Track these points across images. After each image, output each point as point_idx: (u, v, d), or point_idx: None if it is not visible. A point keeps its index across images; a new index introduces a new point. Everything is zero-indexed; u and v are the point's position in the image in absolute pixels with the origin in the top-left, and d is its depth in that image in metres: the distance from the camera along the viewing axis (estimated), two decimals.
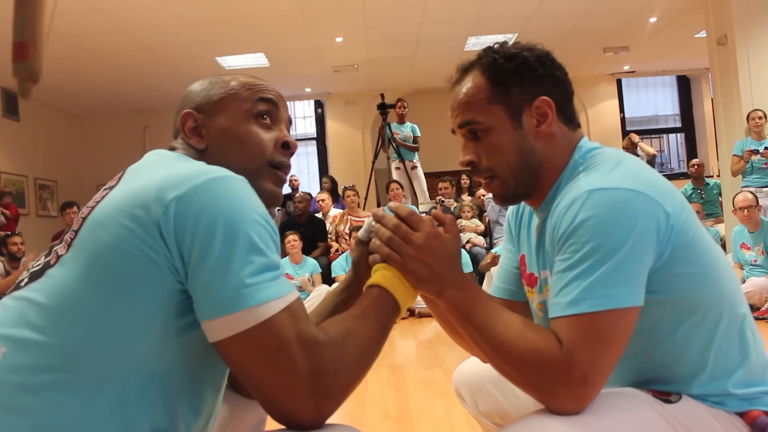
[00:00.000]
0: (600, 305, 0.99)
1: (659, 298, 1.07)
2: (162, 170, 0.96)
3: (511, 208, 1.44)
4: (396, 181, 8.11)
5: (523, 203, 1.38)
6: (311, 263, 6.98)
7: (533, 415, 1.04)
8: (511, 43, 1.24)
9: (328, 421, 0.93)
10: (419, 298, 1.21)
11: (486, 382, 1.43)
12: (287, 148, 1.19)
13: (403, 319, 6.29)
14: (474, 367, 1.48)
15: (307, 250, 7.24)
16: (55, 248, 0.97)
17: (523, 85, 1.19)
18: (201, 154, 1.13)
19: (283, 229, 7.38)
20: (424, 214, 1.21)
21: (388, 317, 1.08)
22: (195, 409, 0.98)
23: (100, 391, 0.85)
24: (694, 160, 8.65)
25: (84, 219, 0.95)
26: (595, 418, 1.00)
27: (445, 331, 1.36)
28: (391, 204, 1.20)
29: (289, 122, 1.26)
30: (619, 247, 1.00)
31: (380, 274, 1.13)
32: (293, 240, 6.89)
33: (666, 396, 1.08)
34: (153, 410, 0.89)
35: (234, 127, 1.15)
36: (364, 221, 1.25)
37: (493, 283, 1.48)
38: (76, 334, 0.86)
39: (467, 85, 1.22)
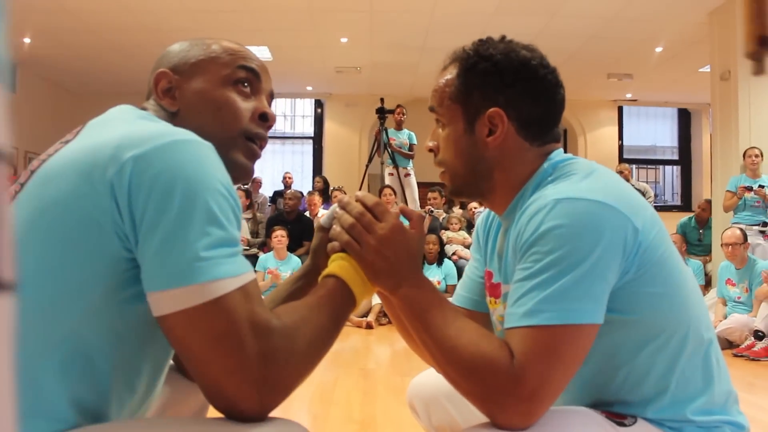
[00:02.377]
0: (556, 319, 0.95)
1: (622, 318, 1.03)
2: (122, 127, 0.90)
3: (482, 216, 1.41)
4: (389, 187, 8.07)
5: (493, 213, 1.34)
6: (295, 261, 6.92)
7: (476, 428, 0.99)
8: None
9: (275, 415, 0.87)
10: None
11: (440, 396, 1.37)
12: (265, 120, 1.12)
13: (381, 325, 6.25)
14: (429, 379, 1.42)
15: (292, 248, 7.20)
16: None
17: (486, 91, 1.14)
18: (172, 117, 1.06)
19: (271, 224, 7.33)
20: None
21: (342, 309, 1.03)
22: (131, 385, 0.92)
23: (19, 355, 0.79)
24: (703, 202, 8.46)
25: (33, 172, 0.89)
26: None
27: (400, 333, 1.32)
28: (358, 193, 1.15)
29: (271, 95, 1.19)
30: (583, 260, 0.96)
31: (337, 264, 1.08)
32: (280, 236, 6.83)
33: (620, 418, 1.04)
34: (77, 382, 0.83)
35: (210, 92, 1.08)
36: None
37: (456, 291, 1.43)
38: None
39: (445, 75, 1.19)
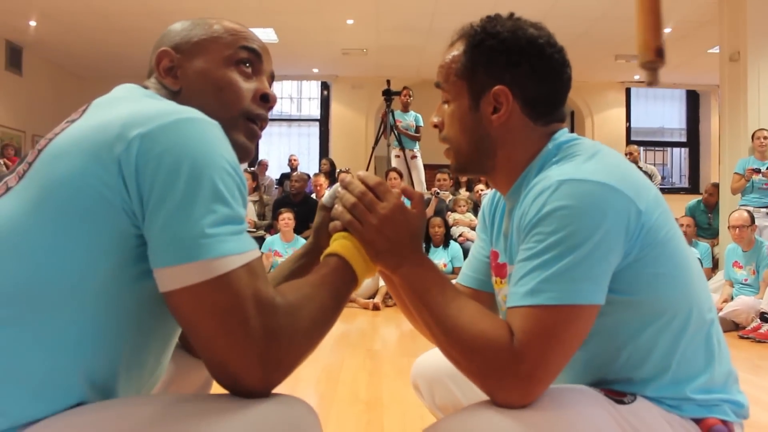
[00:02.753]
0: (557, 299, 0.95)
1: (625, 298, 1.03)
2: (129, 106, 0.90)
3: (488, 197, 1.41)
4: (395, 169, 8.05)
5: (499, 193, 1.35)
6: (302, 243, 6.91)
7: (475, 406, 1.00)
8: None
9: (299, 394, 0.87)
10: None
11: (443, 376, 1.38)
12: (266, 100, 1.13)
13: (387, 306, 6.28)
14: (433, 359, 1.44)
15: (299, 230, 7.21)
16: (5, 179, 0.91)
17: (492, 69, 1.14)
18: (174, 96, 1.07)
19: (278, 207, 7.33)
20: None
21: (344, 288, 1.04)
22: (139, 361, 0.94)
23: (34, 332, 0.81)
24: (709, 186, 8.39)
25: (40, 151, 0.89)
26: (539, 413, 0.96)
27: (403, 313, 1.33)
28: (360, 173, 1.16)
29: (272, 77, 1.20)
30: (585, 241, 0.96)
31: (339, 243, 1.09)
32: (287, 218, 6.84)
33: (619, 396, 1.05)
34: (90, 358, 0.85)
35: (212, 71, 1.08)
36: None
37: (462, 270, 1.44)
38: (15, 270, 0.81)
39: (452, 51, 1.19)
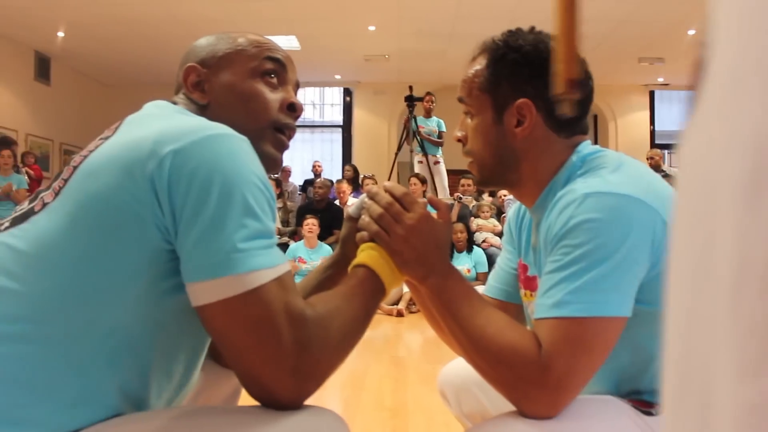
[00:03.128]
0: (585, 311, 0.96)
1: (652, 309, 1.03)
2: (160, 123, 0.92)
3: (512, 209, 1.41)
4: (417, 175, 8.04)
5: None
6: (325, 249, 6.95)
7: (503, 417, 1.01)
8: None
9: (308, 402, 0.89)
10: None
11: (471, 384, 1.39)
12: (293, 110, 1.15)
13: (411, 313, 6.28)
14: (460, 368, 1.44)
15: (322, 237, 7.23)
16: (41, 195, 0.93)
17: (515, 82, 1.15)
18: (202, 110, 1.09)
19: (301, 213, 7.37)
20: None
21: (373, 299, 1.05)
22: (170, 373, 0.95)
23: (68, 347, 0.83)
24: None
25: (75, 168, 0.91)
26: (566, 424, 0.96)
27: (429, 323, 1.33)
28: (386, 183, 1.17)
29: (297, 86, 1.21)
30: (612, 253, 0.97)
31: (367, 254, 1.09)
32: (312, 224, 6.86)
33: (647, 407, 1.04)
34: (124, 371, 0.87)
35: (238, 84, 1.10)
36: None
37: (488, 282, 1.44)
38: (51, 286, 0.83)
39: (473, 65, 1.20)
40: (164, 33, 9.13)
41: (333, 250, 7.24)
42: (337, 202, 8.49)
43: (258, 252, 0.85)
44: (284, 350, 0.84)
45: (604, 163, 1.11)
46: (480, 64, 1.19)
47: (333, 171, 12.03)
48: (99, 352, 0.84)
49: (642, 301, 1.01)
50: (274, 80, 1.14)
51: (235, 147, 0.88)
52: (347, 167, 10.04)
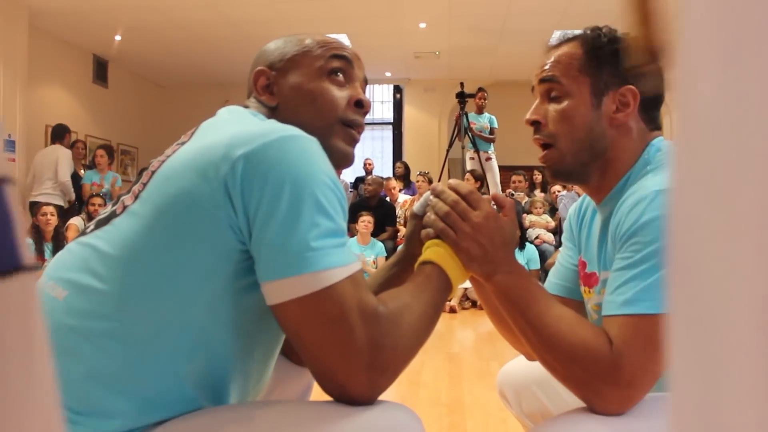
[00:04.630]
0: (655, 308, 0.96)
1: None
2: (232, 127, 0.95)
3: (573, 206, 1.41)
4: (473, 172, 8.00)
5: (586, 202, 1.35)
6: (378, 246, 7.00)
7: (573, 413, 1.02)
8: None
9: (380, 398, 0.91)
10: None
11: (531, 384, 1.40)
12: (360, 106, 1.16)
13: (464, 309, 6.28)
14: (519, 367, 1.45)
15: (374, 233, 7.28)
16: (122, 198, 0.98)
17: (616, 69, 1.15)
18: (272, 112, 1.12)
19: (354, 210, 7.43)
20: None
21: (441, 295, 1.06)
22: (245, 370, 0.98)
23: (150, 344, 0.87)
24: None
25: (154, 172, 0.95)
26: (637, 422, 0.97)
27: (491, 320, 1.34)
28: (451, 181, 1.17)
29: (365, 82, 1.22)
30: None
31: (433, 251, 1.10)
32: (367, 221, 6.91)
33: None
34: (203, 367, 0.90)
35: (305, 84, 1.12)
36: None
37: (549, 279, 1.44)
38: (132, 286, 0.87)
39: (563, 49, 1.19)
40: (217, 35, 9.28)
41: (385, 246, 7.28)
42: (388, 199, 8.52)
43: (331, 250, 0.87)
44: (358, 347, 0.86)
45: None
46: (573, 48, 1.18)
47: (384, 168, 12.06)
48: (178, 349, 0.88)
49: None
50: (341, 78, 1.15)
51: (305, 147, 0.90)
52: (398, 164, 10.05)
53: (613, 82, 1.15)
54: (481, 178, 7.80)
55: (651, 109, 1.17)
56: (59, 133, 7.96)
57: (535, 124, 1.21)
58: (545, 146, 1.20)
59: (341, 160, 1.14)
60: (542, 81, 1.19)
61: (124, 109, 11.15)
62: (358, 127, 1.17)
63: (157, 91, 12.28)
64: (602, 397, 0.98)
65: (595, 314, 1.24)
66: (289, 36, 1.20)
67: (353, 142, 1.16)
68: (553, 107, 1.18)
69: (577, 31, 1.21)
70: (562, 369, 1.02)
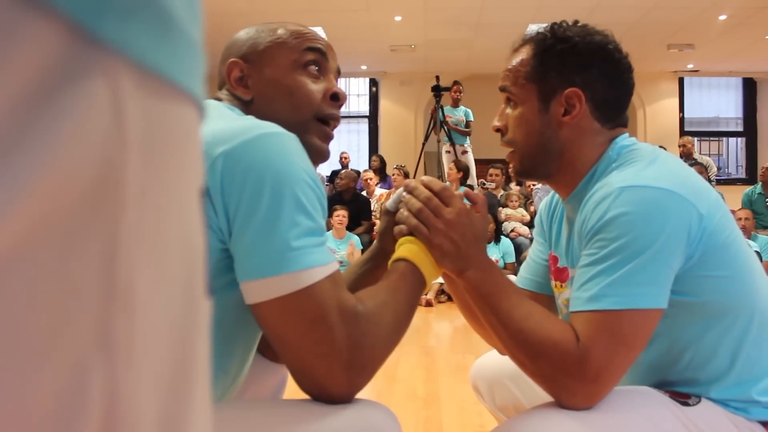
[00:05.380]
0: (621, 303, 0.98)
1: (688, 300, 1.05)
2: (209, 124, 0.93)
3: (544, 201, 1.43)
4: (457, 162, 7.97)
5: (557, 198, 1.36)
6: (353, 239, 7.00)
7: (541, 408, 1.03)
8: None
9: (357, 396, 0.92)
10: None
11: (504, 377, 1.42)
12: (336, 99, 1.16)
13: (440, 303, 6.30)
14: (492, 361, 1.47)
15: (350, 227, 7.27)
16: None
17: (562, 71, 1.16)
18: (247, 106, 1.10)
19: (330, 204, 7.42)
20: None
21: (415, 292, 1.06)
22: (224, 368, 0.98)
23: None
24: (767, 164, 8.16)
25: None
26: (604, 415, 0.99)
27: (463, 315, 1.35)
28: (424, 177, 1.18)
29: (338, 72, 1.22)
30: (647, 246, 0.98)
31: (406, 248, 1.11)
32: (341, 215, 6.89)
33: (684, 398, 1.06)
34: None
35: (281, 78, 1.11)
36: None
37: (520, 274, 1.46)
38: None
39: (517, 56, 1.22)
40: None
41: (361, 240, 7.26)
42: (364, 192, 8.51)
43: (311, 249, 0.86)
44: (338, 346, 0.86)
45: (638, 156, 1.12)
46: (525, 54, 1.20)
47: (360, 161, 12.05)
48: None
49: (677, 293, 1.03)
50: (316, 70, 1.15)
51: (285, 145, 0.90)
52: (374, 157, 10.05)
53: (559, 86, 1.16)
54: (464, 169, 7.80)
55: (605, 108, 1.18)
56: None
57: (499, 131, 1.25)
58: (510, 149, 1.24)
59: (317, 157, 1.13)
60: (500, 89, 1.24)
61: None
62: (334, 121, 1.16)
63: None
64: (569, 392, 0.99)
65: (566, 308, 1.26)
66: (259, 25, 1.18)
67: (327, 138, 1.16)
68: (510, 113, 1.22)
69: (534, 31, 1.22)
70: (530, 364, 1.04)
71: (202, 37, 0.28)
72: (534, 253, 1.43)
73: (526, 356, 1.04)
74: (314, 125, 1.13)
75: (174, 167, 0.25)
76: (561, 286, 1.29)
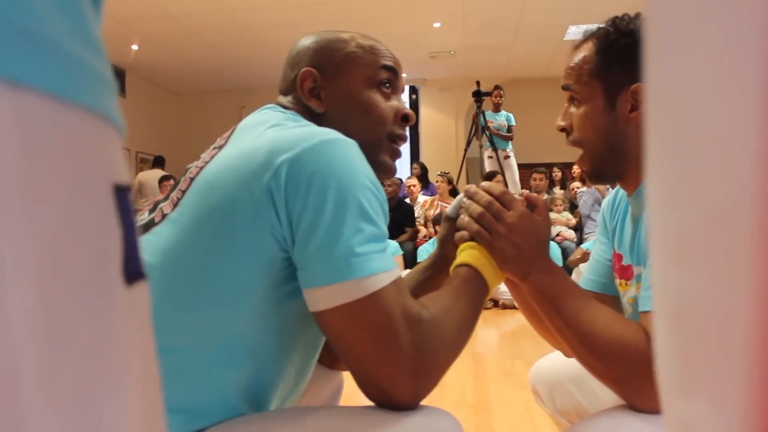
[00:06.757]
0: None
1: None
2: (272, 132, 0.94)
3: (607, 199, 1.39)
4: (498, 173, 7.94)
5: (620, 194, 1.33)
6: (393, 245, 6.96)
7: (614, 411, 1.00)
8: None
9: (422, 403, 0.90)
10: (503, 287, 1.17)
11: (564, 380, 1.38)
12: (406, 120, 1.15)
13: (486, 309, 6.25)
14: (551, 364, 1.44)
15: (394, 234, 7.26)
16: (160, 206, 0.96)
17: (627, 67, 1.12)
18: (317, 118, 1.08)
19: None
20: None
21: (479, 298, 1.05)
22: (284, 376, 0.98)
23: (192, 353, 0.86)
24: None
25: (192, 179, 0.93)
26: None
27: (528, 320, 1.32)
28: (484, 183, 1.17)
29: (403, 89, 1.21)
30: None
31: (468, 254, 1.09)
32: None
33: None
34: (244, 375, 0.90)
35: (357, 95, 1.10)
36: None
37: (584, 275, 1.42)
38: (174, 295, 0.86)
39: (579, 53, 1.18)
40: (231, 41, 9.32)
41: (406, 247, 7.25)
42: (407, 200, 8.50)
43: (375, 256, 0.86)
44: (403, 353, 0.85)
45: None
46: (587, 51, 1.16)
47: (401, 169, 12.02)
48: (218, 359, 0.87)
49: None
50: (389, 89, 1.14)
51: (347, 151, 0.89)
52: (415, 165, 10.02)
53: (625, 81, 1.12)
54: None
55: None
56: None
57: (564, 131, 1.21)
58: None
59: (385, 174, 1.14)
60: (563, 88, 1.20)
61: (142, 117, 11.23)
62: (402, 141, 1.16)
63: (174, 98, 12.37)
64: (642, 395, 0.96)
65: (630, 307, 1.22)
66: (328, 33, 1.15)
67: (397, 156, 1.16)
68: (574, 112, 1.18)
69: (596, 26, 1.18)
70: (601, 367, 1.01)
71: (96, 56, 0.31)
72: (597, 253, 1.40)
73: (596, 359, 1.01)
74: (386, 144, 1.13)
75: (64, 165, 0.27)
76: (626, 284, 1.25)
